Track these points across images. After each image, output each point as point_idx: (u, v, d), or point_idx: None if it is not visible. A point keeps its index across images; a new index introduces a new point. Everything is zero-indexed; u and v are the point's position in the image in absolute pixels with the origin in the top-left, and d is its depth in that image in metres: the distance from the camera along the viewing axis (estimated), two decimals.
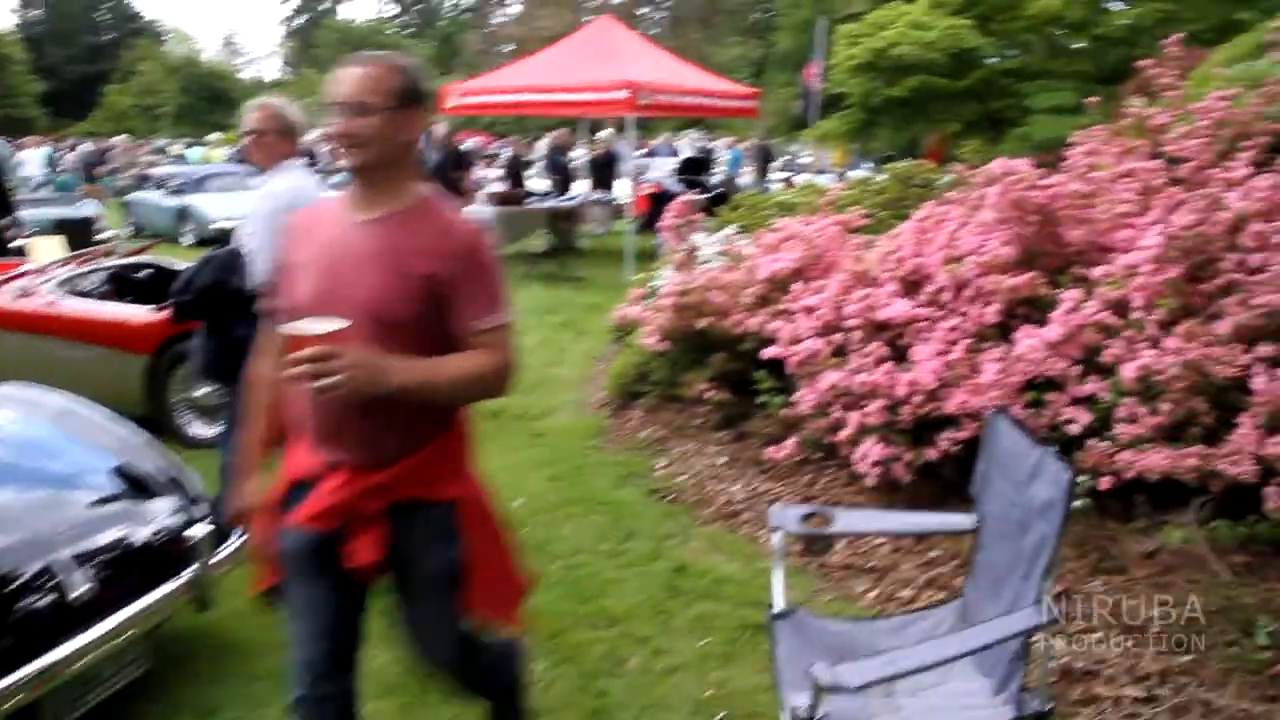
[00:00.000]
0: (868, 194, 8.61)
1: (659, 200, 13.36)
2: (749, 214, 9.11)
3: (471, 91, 13.06)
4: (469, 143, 20.97)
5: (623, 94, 10.89)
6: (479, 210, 13.09)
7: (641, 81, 11.14)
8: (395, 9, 58.29)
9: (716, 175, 20.53)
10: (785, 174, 21.15)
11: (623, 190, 15.63)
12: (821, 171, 22.26)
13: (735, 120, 37.69)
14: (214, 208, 14.47)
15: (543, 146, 20.45)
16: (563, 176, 15.30)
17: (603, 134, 16.52)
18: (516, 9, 47.91)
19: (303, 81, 46.69)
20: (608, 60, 11.88)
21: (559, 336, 8.56)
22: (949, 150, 24.20)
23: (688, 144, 21.46)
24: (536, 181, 16.41)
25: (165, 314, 4.74)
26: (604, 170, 15.09)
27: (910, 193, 9.03)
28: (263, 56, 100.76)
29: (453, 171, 12.04)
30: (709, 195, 15.20)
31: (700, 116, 24.32)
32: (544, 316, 9.30)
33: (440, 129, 12.93)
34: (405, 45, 49.97)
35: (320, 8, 56.79)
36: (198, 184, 15.89)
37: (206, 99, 48.48)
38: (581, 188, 15.32)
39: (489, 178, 15.84)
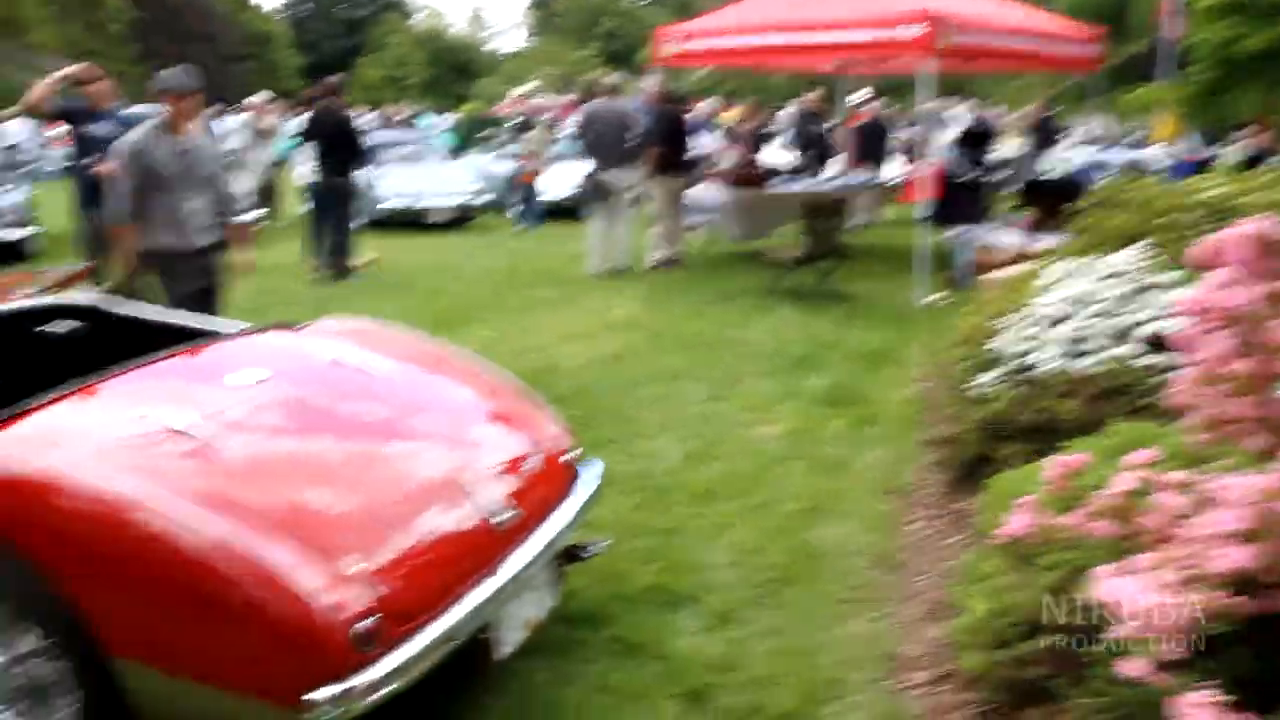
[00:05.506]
0: None
1: (946, 186, 9.72)
2: (1137, 218, 5.41)
3: (696, 34, 9.31)
4: (703, 106, 17.36)
5: (917, 30, 7.28)
6: (705, 194, 9.86)
7: (946, 13, 7.47)
8: None
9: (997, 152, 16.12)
10: (1099, 156, 16.38)
11: (892, 170, 12.09)
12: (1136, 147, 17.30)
13: (1034, 78, 30.77)
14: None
15: (785, 116, 16.86)
16: (818, 151, 11.82)
17: (859, 94, 12.76)
18: None
19: (543, 51, 45.67)
20: None
21: (824, 428, 4.73)
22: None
23: (964, 114, 17.13)
24: (777, 155, 12.87)
25: None
26: (871, 144, 11.54)
27: None
28: (507, 29, 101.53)
29: (669, 143, 8.98)
30: (996, 183, 11.33)
31: (1018, 71, 18.49)
32: (797, 376, 5.56)
33: (652, 85, 9.87)
34: (640, 15, 47.44)
35: None
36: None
37: (453, 71, 48.65)
38: (835, 166, 11.79)
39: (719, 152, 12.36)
